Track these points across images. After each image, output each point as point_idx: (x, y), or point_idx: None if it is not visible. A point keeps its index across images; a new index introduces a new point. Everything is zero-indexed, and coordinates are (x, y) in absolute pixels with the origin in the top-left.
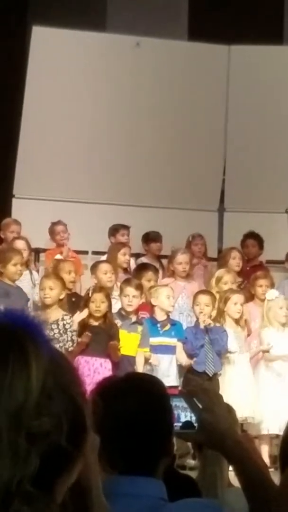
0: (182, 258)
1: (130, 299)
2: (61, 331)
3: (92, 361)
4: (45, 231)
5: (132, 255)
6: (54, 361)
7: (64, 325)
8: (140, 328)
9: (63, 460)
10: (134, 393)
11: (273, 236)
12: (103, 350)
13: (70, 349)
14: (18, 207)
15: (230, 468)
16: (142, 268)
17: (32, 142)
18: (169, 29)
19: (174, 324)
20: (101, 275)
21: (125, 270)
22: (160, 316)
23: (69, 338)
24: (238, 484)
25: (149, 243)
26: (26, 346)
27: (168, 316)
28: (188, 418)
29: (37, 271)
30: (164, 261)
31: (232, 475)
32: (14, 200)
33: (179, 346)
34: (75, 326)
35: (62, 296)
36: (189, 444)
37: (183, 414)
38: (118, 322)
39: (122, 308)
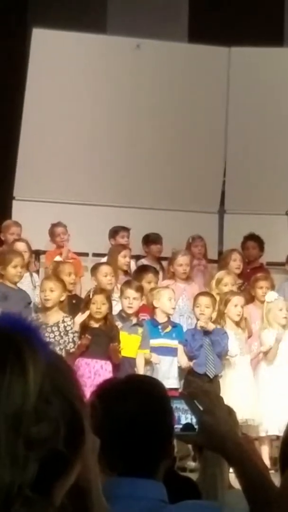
0: (182, 260)
1: (130, 301)
2: (62, 333)
3: (93, 363)
4: (45, 233)
5: (132, 257)
6: (52, 365)
7: (65, 327)
8: (140, 329)
9: (61, 464)
10: (135, 395)
11: (273, 238)
12: (103, 352)
13: (71, 350)
14: (18, 209)
15: (231, 470)
16: (142, 270)
17: (32, 145)
18: (169, 30)
19: (175, 326)
20: (101, 277)
21: (126, 272)
22: (161, 318)
23: (71, 340)
24: (238, 486)
25: (149, 245)
26: (24, 351)
27: (168, 318)
28: (188, 420)
29: (37, 272)
30: (164, 263)
31: (232, 477)
32: (14, 202)
33: (180, 348)
34: (77, 327)
35: (62, 298)
36: (190, 446)
37: (184, 416)
38: (118, 324)
39: (122, 310)
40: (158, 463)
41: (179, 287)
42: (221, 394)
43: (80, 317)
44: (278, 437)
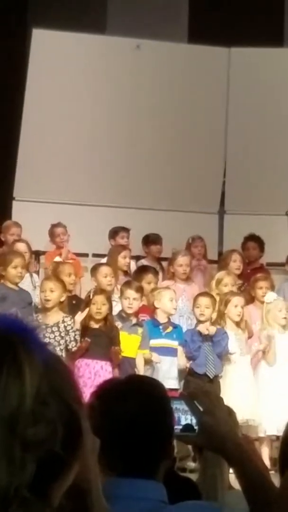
0: (182, 260)
1: (130, 301)
2: (62, 334)
3: (93, 364)
4: (46, 234)
5: (132, 257)
6: (49, 366)
7: (65, 327)
8: (140, 330)
9: (58, 465)
10: (135, 395)
11: (273, 238)
12: (103, 353)
13: (73, 349)
14: (18, 210)
15: (231, 470)
16: (142, 270)
17: (32, 145)
18: (169, 31)
19: (176, 327)
20: (101, 278)
21: (125, 273)
22: (161, 318)
23: (72, 338)
24: (238, 487)
25: (149, 245)
26: (20, 352)
27: (169, 318)
28: (188, 421)
29: (37, 273)
30: (164, 263)
31: (232, 477)
32: (14, 203)
33: (180, 349)
34: (78, 326)
35: (62, 299)
36: (190, 446)
37: (184, 417)
38: (118, 324)
39: (122, 310)
40: (158, 463)
41: (179, 287)
42: (221, 395)
43: (80, 316)
44: (278, 437)
